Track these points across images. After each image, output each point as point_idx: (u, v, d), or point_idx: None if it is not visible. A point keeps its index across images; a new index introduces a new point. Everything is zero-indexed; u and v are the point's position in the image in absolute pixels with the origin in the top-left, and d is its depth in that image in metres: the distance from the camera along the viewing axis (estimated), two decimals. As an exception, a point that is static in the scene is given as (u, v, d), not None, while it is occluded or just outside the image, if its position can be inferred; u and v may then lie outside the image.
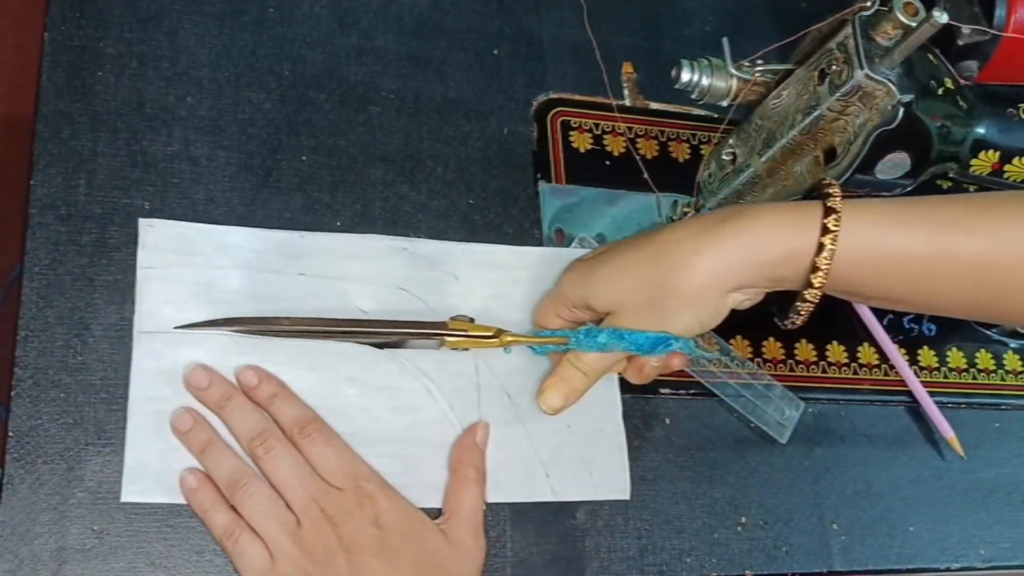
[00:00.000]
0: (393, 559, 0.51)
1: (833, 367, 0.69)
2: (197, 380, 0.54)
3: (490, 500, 0.57)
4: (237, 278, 0.57)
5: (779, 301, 0.55)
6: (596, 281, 0.55)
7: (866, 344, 0.71)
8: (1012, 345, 0.75)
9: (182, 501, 0.52)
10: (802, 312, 0.53)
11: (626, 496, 0.60)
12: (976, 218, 0.50)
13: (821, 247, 0.49)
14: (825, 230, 0.49)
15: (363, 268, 0.59)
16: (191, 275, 0.56)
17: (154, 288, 0.55)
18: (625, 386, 0.62)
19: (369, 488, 0.53)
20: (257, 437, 0.53)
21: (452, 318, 0.58)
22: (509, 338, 0.58)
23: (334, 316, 0.57)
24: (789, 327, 0.55)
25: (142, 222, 0.56)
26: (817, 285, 0.50)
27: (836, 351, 0.70)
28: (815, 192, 0.52)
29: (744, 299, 0.54)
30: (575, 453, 0.60)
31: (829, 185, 0.51)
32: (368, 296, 0.59)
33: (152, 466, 0.52)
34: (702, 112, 0.73)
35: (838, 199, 0.50)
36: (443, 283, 0.61)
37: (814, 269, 0.50)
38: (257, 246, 0.58)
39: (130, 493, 0.52)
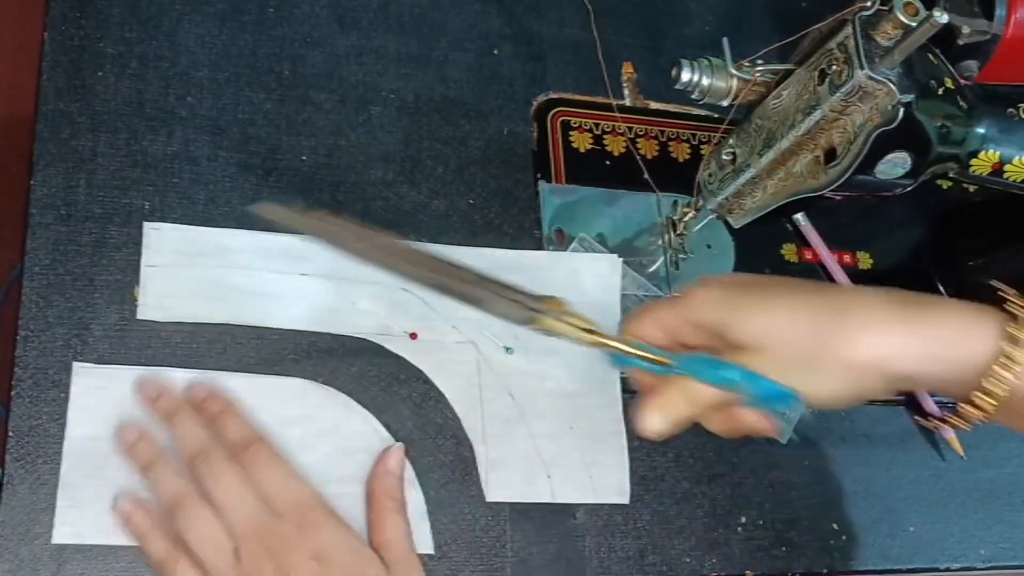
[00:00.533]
0: None
1: (833, 367, 0.69)
2: (147, 390, 0.53)
3: (490, 499, 0.57)
4: (240, 276, 0.57)
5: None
6: (749, 307, 0.48)
7: (866, 344, 0.70)
8: (1012, 345, 0.75)
9: (118, 543, 0.51)
10: (971, 420, 0.47)
11: (625, 500, 0.60)
12: None
13: (1006, 358, 0.44)
14: (1013, 340, 0.44)
15: (365, 269, 0.59)
16: (194, 274, 0.56)
17: (158, 283, 0.56)
18: (625, 386, 0.62)
19: (312, 517, 0.51)
20: (201, 454, 0.51)
21: (550, 298, 0.52)
22: (600, 339, 0.50)
23: (335, 311, 0.57)
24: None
25: (147, 225, 0.57)
26: (1001, 395, 0.45)
27: (836, 351, 0.69)
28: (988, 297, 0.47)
29: (885, 391, 0.48)
30: (577, 455, 0.60)
31: (1007, 292, 0.47)
32: (369, 296, 0.59)
33: (88, 506, 0.51)
34: (702, 112, 0.73)
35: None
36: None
37: (989, 376, 0.45)
38: (259, 248, 0.58)
39: (62, 535, 0.50)
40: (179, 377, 0.54)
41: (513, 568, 0.57)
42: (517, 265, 0.63)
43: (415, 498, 0.57)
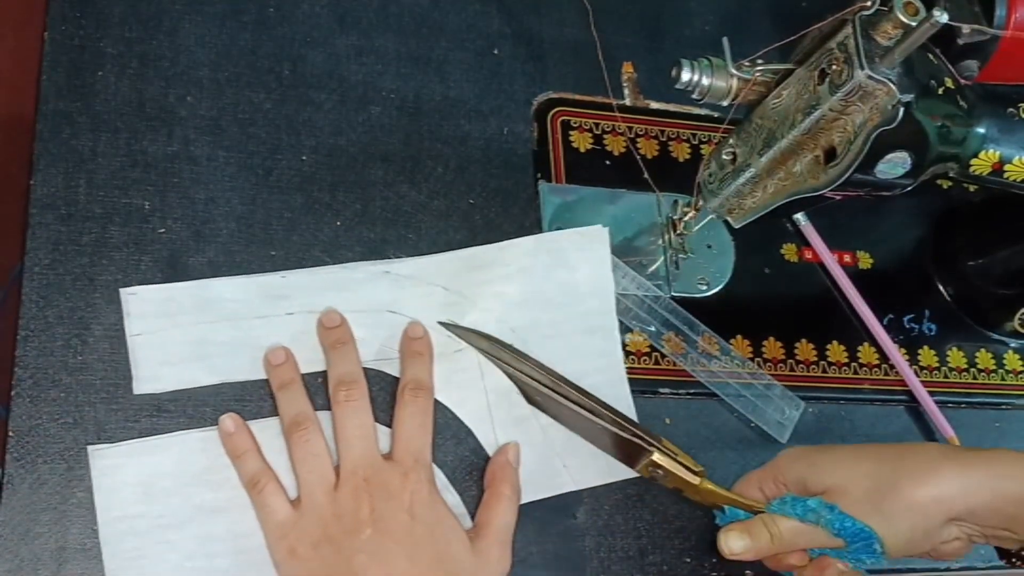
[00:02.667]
0: (415, 552, 0.51)
1: (833, 367, 0.69)
2: (328, 320, 0.56)
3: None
4: (227, 329, 0.56)
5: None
6: (823, 462, 0.55)
7: (866, 344, 0.71)
8: (1012, 345, 0.75)
9: None
10: None
11: (635, 472, 0.60)
12: None
13: None
14: None
15: (349, 298, 0.59)
16: (180, 335, 0.55)
17: (147, 353, 0.55)
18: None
19: (420, 473, 0.53)
20: (349, 383, 0.54)
21: (664, 440, 0.58)
22: (709, 486, 0.57)
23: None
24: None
25: (123, 292, 0.55)
26: None
27: (836, 351, 0.70)
28: None
29: (959, 538, 0.53)
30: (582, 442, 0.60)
31: None
32: (359, 324, 0.58)
33: None
34: (702, 112, 0.73)
35: None
36: (430, 297, 0.60)
37: None
38: (240, 295, 0.57)
39: None
40: (200, 435, 0.54)
41: (513, 568, 0.57)
42: (501, 258, 0.62)
43: (452, 500, 0.57)
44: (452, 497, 0.57)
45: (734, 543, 0.55)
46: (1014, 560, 0.53)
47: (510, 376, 0.59)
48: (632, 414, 0.61)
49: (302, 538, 0.51)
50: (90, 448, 0.52)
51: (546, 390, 0.58)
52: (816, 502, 0.53)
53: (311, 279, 0.59)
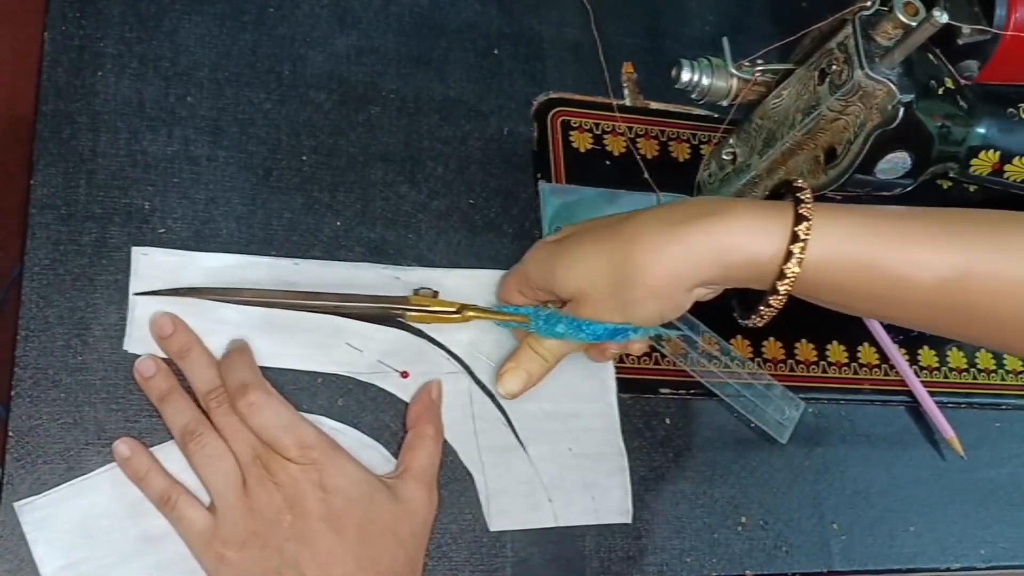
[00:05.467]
0: (338, 524, 0.51)
1: (833, 367, 0.69)
2: (161, 328, 0.54)
3: (493, 528, 0.57)
4: (231, 311, 0.56)
5: (741, 299, 0.56)
6: (560, 268, 0.55)
7: (866, 344, 0.71)
8: (1012, 345, 0.75)
9: None
10: (764, 316, 0.53)
11: (628, 520, 0.60)
12: (947, 235, 0.49)
13: (789, 255, 0.49)
14: (795, 238, 0.49)
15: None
16: (183, 307, 0.55)
17: (146, 314, 0.54)
18: (625, 386, 0.62)
19: (314, 455, 0.52)
20: (214, 390, 0.53)
21: (415, 291, 0.58)
22: (471, 313, 0.57)
23: (327, 348, 0.57)
24: (750, 327, 0.55)
25: (135, 250, 0.56)
26: (783, 291, 0.50)
27: (836, 351, 0.70)
28: (784, 191, 0.52)
29: (707, 292, 0.55)
30: (577, 478, 0.60)
31: (800, 189, 0.50)
32: (356, 334, 0.58)
33: None
34: (702, 112, 0.73)
35: (809, 205, 0.50)
36: None
37: (781, 275, 0.50)
38: (251, 274, 0.57)
39: None
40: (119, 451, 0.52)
41: (513, 568, 0.57)
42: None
43: (379, 456, 0.56)
44: (378, 453, 0.57)
45: (512, 385, 0.56)
46: (753, 316, 0.54)
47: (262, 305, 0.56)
48: (624, 459, 0.61)
49: (227, 542, 0.50)
50: (16, 504, 0.50)
51: (297, 311, 0.57)
52: (565, 324, 0.54)
53: (322, 271, 0.59)
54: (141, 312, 0.55)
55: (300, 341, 0.57)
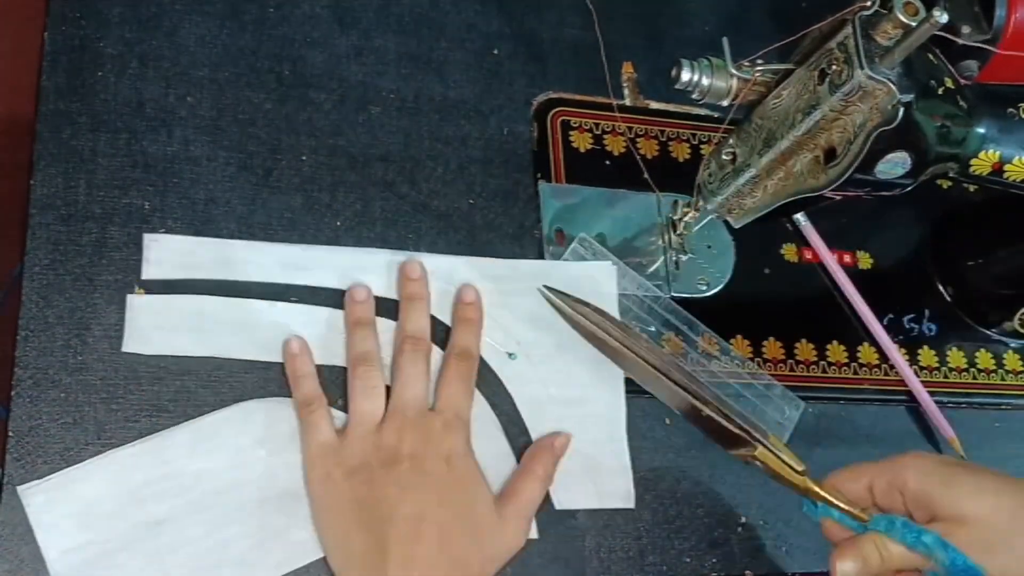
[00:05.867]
0: (444, 496, 0.53)
1: (833, 367, 0.69)
2: (410, 271, 0.59)
3: None
4: (230, 308, 0.56)
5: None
6: (962, 484, 0.50)
7: (866, 344, 0.71)
8: (1012, 345, 0.75)
9: None
10: None
11: (631, 504, 0.60)
12: None
13: None
14: None
15: (364, 279, 0.59)
16: (181, 304, 0.55)
17: (144, 314, 0.55)
18: (625, 386, 0.62)
19: (458, 429, 0.55)
20: (417, 338, 0.57)
21: (770, 433, 0.56)
22: (812, 487, 0.54)
23: (327, 343, 0.57)
24: None
25: (146, 237, 0.56)
26: None
27: (836, 351, 0.70)
28: None
29: None
30: (579, 463, 0.60)
31: None
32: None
33: None
34: (702, 112, 0.73)
35: None
36: (443, 295, 0.60)
37: None
38: (259, 258, 0.58)
39: None
40: (130, 452, 0.53)
41: (513, 568, 0.57)
42: (514, 274, 0.62)
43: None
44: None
45: (848, 568, 0.51)
46: None
47: (617, 352, 0.59)
48: (625, 445, 0.61)
49: (340, 463, 0.53)
50: (20, 488, 0.50)
51: (653, 371, 0.58)
52: (932, 539, 0.49)
53: (330, 256, 0.59)
54: (139, 313, 0.55)
55: (307, 334, 0.57)
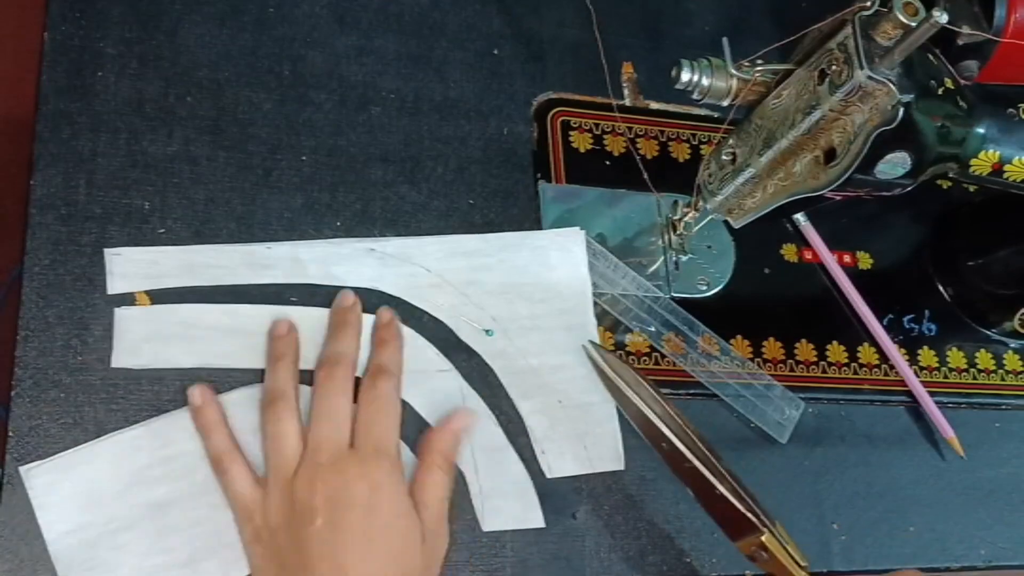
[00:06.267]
0: (368, 548, 0.50)
1: (833, 367, 0.69)
2: (345, 299, 0.57)
3: (485, 528, 0.58)
4: (217, 315, 0.56)
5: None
6: None
7: (866, 344, 0.71)
8: (1012, 345, 0.75)
9: None
10: None
11: (620, 466, 0.60)
12: None
13: None
14: None
15: (332, 272, 0.59)
16: (168, 315, 0.55)
17: (131, 327, 0.54)
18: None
19: (379, 464, 0.52)
20: (337, 361, 0.54)
21: (778, 524, 0.55)
22: None
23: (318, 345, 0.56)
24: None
25: (108, 252, 0.55)
26: None
27: (836, 351, 0.70)
28: None
29: None
30: (569, 428, 0.60)
31: None
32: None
33: None
34: (702, 112, 0.73)
35: None
36: (414, 277, 0.60)
37: None
38: (224, 260, 0.57)
39: None
40: (132, 434, 0.53)
41: (513, 568, 0.57)
42: (485, 247, 0.62)
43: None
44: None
45: None
46: None
47: (640, 412, 0.57)
48: (612, 411, 0.61)
49: (265, 521, 0.51)
50: (22, 469, 0.51)
51: (672, 435, 0.56)
52: None
53: (296, 251, 0.59)
54: (126, 326, 0.54)
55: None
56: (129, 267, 0.56)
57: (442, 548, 0.54)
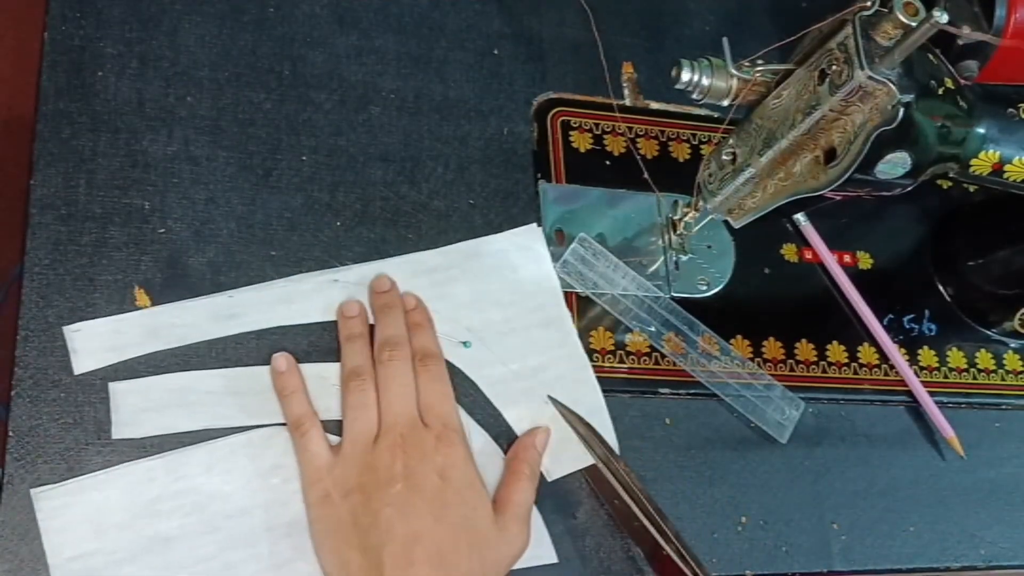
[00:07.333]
0: (441, 513, 0.52)
1: (833, 367, 0.69)
2: (379, 284, 0.59)
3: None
4: (213, 379, 0.55)
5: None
6: None
7: (866, 344, 0.71)
8: (1012, 345, 0.75)
9: None
10: None
11: (616, 451, 0.61)
12: None
13: None
14: None
15: (300, 310, 0.58)
16: (164, 383, 0.54)
17: (129, 399, 0.54)
18: (625, 386, 0.62)
19: (452, 437, 0.55)
20: (394, 344, 0.56)
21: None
22: None
23: (318, 397, 0.56)
24: None
25: (67, 329, 0.54)
26: None
27: (836, 351, 0.70)
28: None
29: None
30: (559, 428, 0.60)
31: None
32: (311, 333, 0.58)
33: None
34: (702, 112, 0.73)
35: None
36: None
37: None
38: (188, 318, 0.56)
39: None
40: (147, 465, 0.53)
41: (513, 568, 0.57)
42: (445, 261, 0.62)
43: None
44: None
45: None
46: None
47: (597, 468, 0.59)
48: (600, 400, 0.61)
49: (336, 484, 0.53)
50: (33, 491, 0.50)
51: (624, 494, 0.58)
52: None
53: (259, 295, 0.58)
54: (123, 399, 0.53)
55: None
56: (92, 342, 0.54)
57: (518, 547, 0.55)
